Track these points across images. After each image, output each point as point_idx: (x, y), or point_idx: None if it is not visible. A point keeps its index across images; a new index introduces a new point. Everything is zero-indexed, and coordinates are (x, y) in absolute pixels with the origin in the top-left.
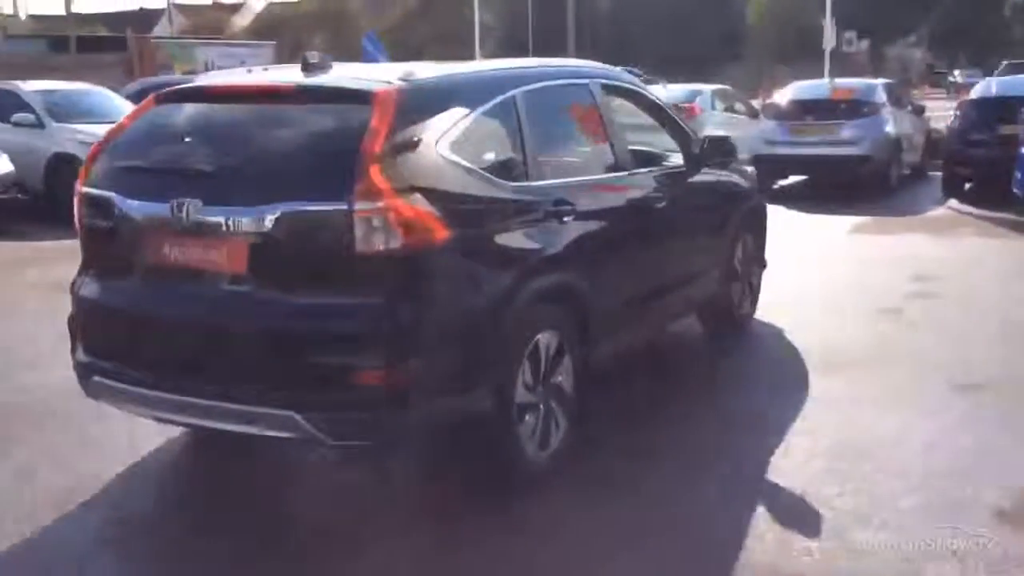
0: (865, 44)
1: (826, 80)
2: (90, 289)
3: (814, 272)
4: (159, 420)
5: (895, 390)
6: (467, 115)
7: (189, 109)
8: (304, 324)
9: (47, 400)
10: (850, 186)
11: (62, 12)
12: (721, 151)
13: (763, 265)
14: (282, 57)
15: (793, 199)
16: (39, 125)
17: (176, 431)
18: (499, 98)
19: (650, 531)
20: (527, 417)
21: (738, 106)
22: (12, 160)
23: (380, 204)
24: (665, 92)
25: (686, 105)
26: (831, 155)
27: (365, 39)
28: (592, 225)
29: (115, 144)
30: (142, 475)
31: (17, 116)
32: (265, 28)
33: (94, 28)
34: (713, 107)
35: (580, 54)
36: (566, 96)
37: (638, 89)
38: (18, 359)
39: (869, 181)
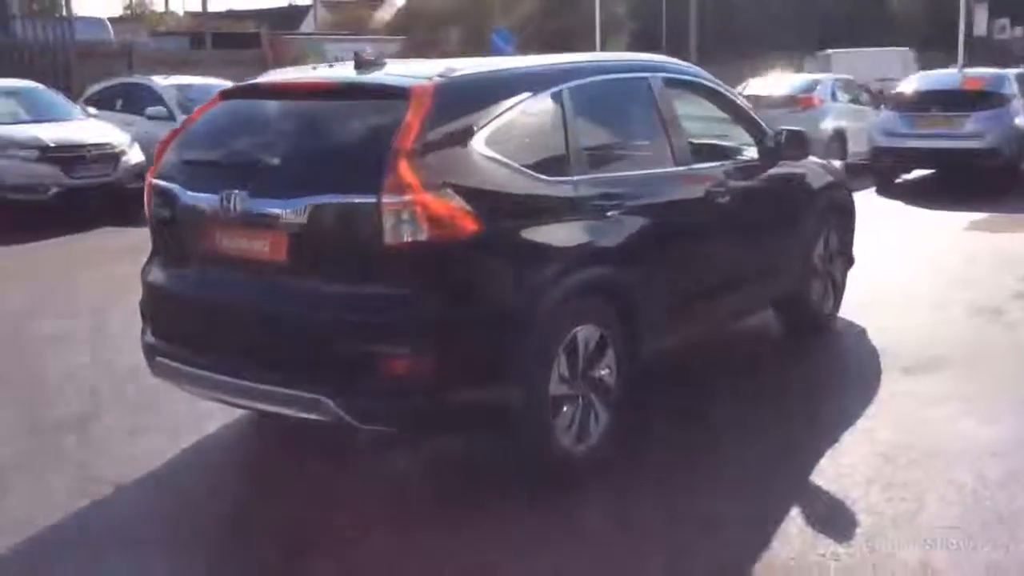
0: (1021, 31)
1: (955, 69)
2: (155, 275)
3: (917, 269)
4: (213, 400)
5: (971, 396)
6: (506, 110)
7: (248, 105)
8: (336, 312)
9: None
10: (975, 181)
11: (218, 9)
12: (795, 145)
13: (849, 262)
14: (411, 52)
15: (913, 194)
16: (171, 118)
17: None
18: (543, 93)
19: (674, 523)
20: (564, 409)
21: (862, 96)
22: (144, 151)
23: (408, 198)
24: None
25: (803, 96)
26: (956, 148)
27: (493, 33)
28: (641, 220)
29: (181, 138)
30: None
31: (151, 109)
32: (404, 23)
33: (245, 25)
34: (834, 97)
35: (703, 45)
36: (621, 91)
37: (707, 83)
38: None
39: (996, 176)
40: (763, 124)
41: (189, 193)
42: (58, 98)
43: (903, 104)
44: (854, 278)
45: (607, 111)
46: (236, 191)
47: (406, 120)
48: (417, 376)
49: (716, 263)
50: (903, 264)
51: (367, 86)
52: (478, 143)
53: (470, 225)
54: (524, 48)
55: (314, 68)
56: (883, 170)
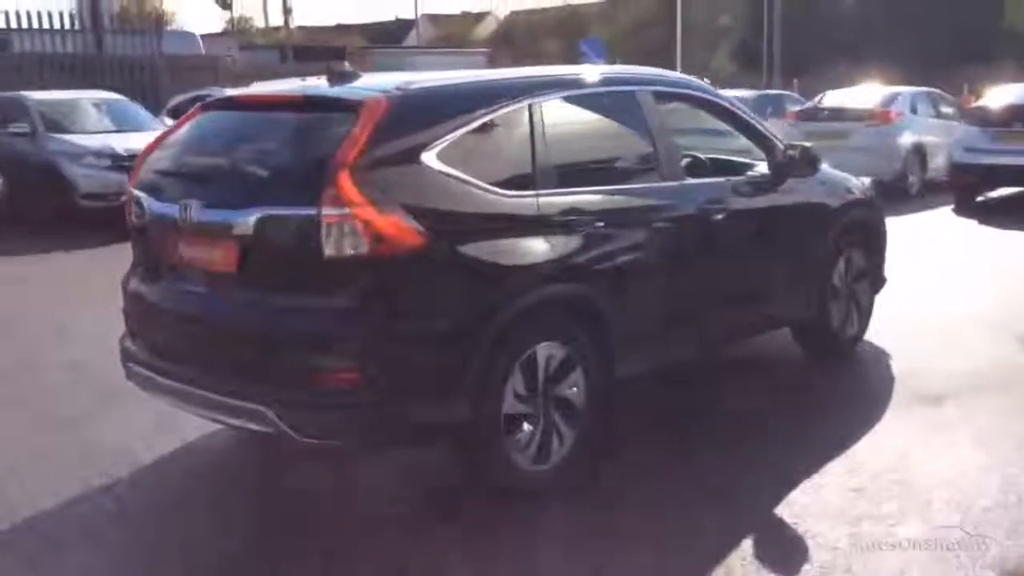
0: None
1: None
2: (131, 282)
3: (971, 295)
4: (177, 408)
5: (979, 432)
6: (466, 125)
7: (219, 117)
8: (278, 324)
9: None
10: None
11: (329, 23)
12: (803, 162)
13: (878, 284)
14: (498, 64)
15: (991, 214)
16: None
17: None
18: (510, 107)
19: (619, 548)
20: (523, 427)
21: (945, 110)
22: None
23: (348, 211)
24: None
25: (880, 109)
26: None
27: (584, 44)
28: (617, 236)
29: (159, 149)
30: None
31: None
32: (506, 36)
33: (352, 39)
34: (914, 111)
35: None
36: (601, 104)
37: (708, 97)
38: None
39: None
40: (775, 140)
41: (156, 203)
42: (138, 109)
43: (985, 119)
44: (898, 301)
45: (584, 125)
46: (193, 201)
47: (352, 133)
48: (356, 390)
49: (707, 283)
50: (959, 288)
51: (322, 99)
52: (431, 158)
53: (415, 240)
54: (615, 59)
55: (303, 80)
56: (962, 187)
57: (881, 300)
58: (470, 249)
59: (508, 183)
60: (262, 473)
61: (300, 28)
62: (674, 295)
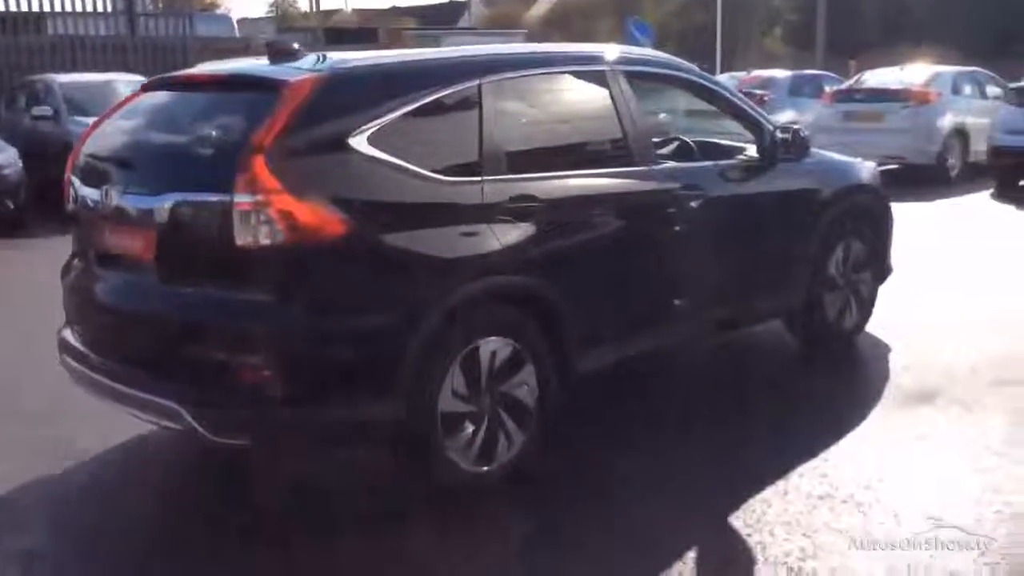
0: None
1: None
2: (67, 271)
3: (987, 284)
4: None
5: (965, 439)
6: (403, 106)
7: (155, 98)
8: (193, 317)
9: None
10: None
11: (385, 6)
12: (790, 145)
13: (883, 273)
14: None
15: None
16: None
17: None
18: (455, 88)
19: (558, 554)
20: (463, 427)
21: (992, 90)
22: None
23: (261, 198)
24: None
25: (918, 90)
26: None
27: (631, 23)
28: (577, 225)
29: (95, 132)
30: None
31: None
32: (557, 17)
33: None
34: (956, 92)
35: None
36: (564, 85)
37: (689, 76)
38: None
39: None
40: (763, 122)
41: (84, 188)
42: None
43: None
44: (913, 290)
45: (543, 107)
46: (114, 186)
47: (271, 115)
48: (273, 387)
49: (685, 274)
50: (980, 278)
51: (246, 78)
52: (360, 142)
53: (337, 230)
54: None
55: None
56: (1004, 171)
57: (894, 289)
58: (401, 239)
59: (451, 169)
60: (220, 464)
61: (356, 11)
62: (645, 287)
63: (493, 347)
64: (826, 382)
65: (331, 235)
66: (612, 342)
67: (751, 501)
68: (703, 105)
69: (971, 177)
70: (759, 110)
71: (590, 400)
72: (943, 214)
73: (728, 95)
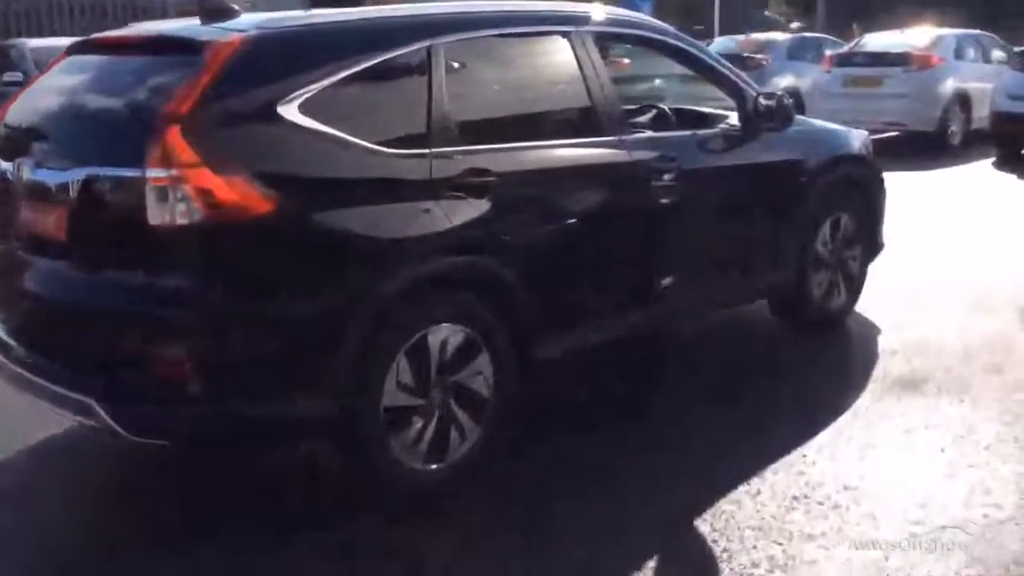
0: None
1: None
2: None
3: (983, 260)
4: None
5: (955, 430)
6: (341, 71)
7: (78, 63)
8: (106, 303)
9: None
10: None
11: None
12: (772, 113)
13: (874, 249)
14: None
15: None
16: None
17: None
18: (401, 50)
19: (510, 555)
20: (411, 422)
21: (997, 54)
22: None
23: (175, 172)
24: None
25: (920, 53)
26: None
27: None
28: (537, 200)
29: (18, 100)
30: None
31: None
32: None
33: None
34: (960, 56)
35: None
36: (523, 47)
37: (664, 39)
38: None
39: None
40: (745, 87)
41: (2, 163)
42: None
43: None
44: (906, 266)
45: (500, 72)
46: (26, 159)
47: (190, 80)
48: (192, 382)
49: (656, 252)
50: (976, 253)
51: (168, 40)
52: (290, 111)
53: (263, 207)
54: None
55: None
56: (1006, 139)
57: (887, 264)
58: (336, 218)
59: (395, 141)
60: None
61: None
62: (613, 268)
63: (444, 334)
64: (810, 368)
65: (256, 214)
66: (577, 328)
67: (721, 502)
68: (686, 70)
69: (973, 144)
70: (741, 75)
71: (555, 387)
72: (943, 184)
73: (706, 58)
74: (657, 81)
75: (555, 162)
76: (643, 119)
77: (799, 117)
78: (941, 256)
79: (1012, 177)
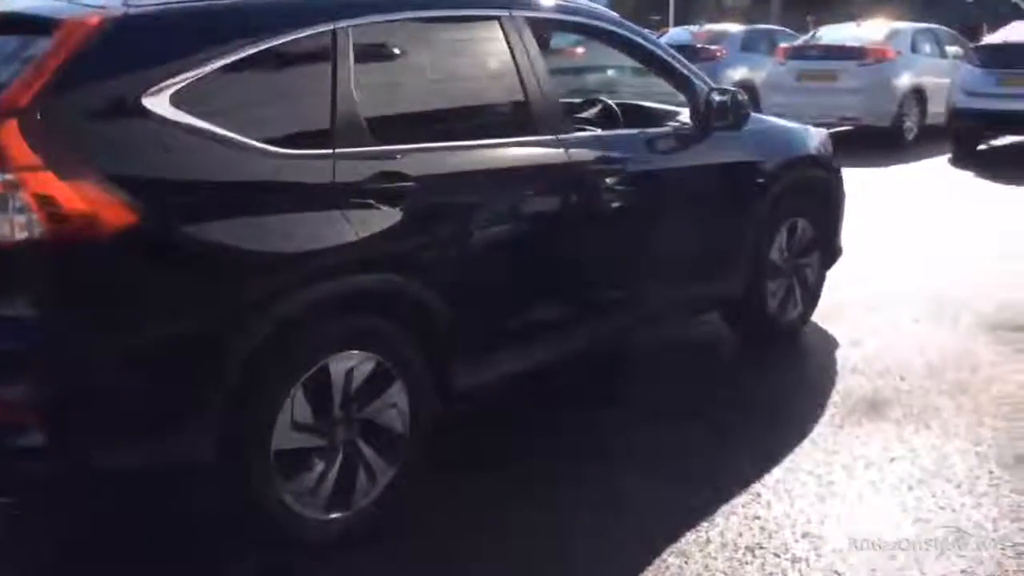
0: None
1: None
2: None
3: (942, 264)
4: None
5: (926, 464)
6: (222, 56)
7: None
8: None
9: None
10: None
11: None
12: (724, 112)
13: (832, 256)
14: None
15: (991, 165)
16: None
17: None
18: (299, 33)
19: None
20: (309, 466)
21: (951, 49)
22: None
23: (11, 177)
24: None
25: (875, 47)
26: None
27: None
28: (460, 209)
29: None
30: None
31: None
32: None
33: None
34: (914, 50)
35: None
36: (448, 33)
37: (609, 27)
38: None
39: None
40: (697, 82)
41: None
42: None
43: (990, 58)
44: (862, 271)
45: (419, 61)
46: None
47: (34, 67)
48: (37, 429)
49: (598, 264)
50: (935, 257)
51: (26, 18)
52: (159, 103)
53: (122, 219)
54: None
55: None
56: (962, 135)
57: (843, 269)
58: (214, 230)
59: (290, 139)
60: None
61: None
62: (549, 284)
63: (349, 364)
64: (765, 387)
65: (112, 227)
66: (509, 352)
67: (664, 555)
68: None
69: (928, 140)
70: (693, 69)
71: (479, 418)
72: (898, 181)
73: (654, 49)
74: (611, 72)
75: (482, 165)
76: (587, 115)
77: (754, 115)
78: (898, 260)
79: (968, 175)
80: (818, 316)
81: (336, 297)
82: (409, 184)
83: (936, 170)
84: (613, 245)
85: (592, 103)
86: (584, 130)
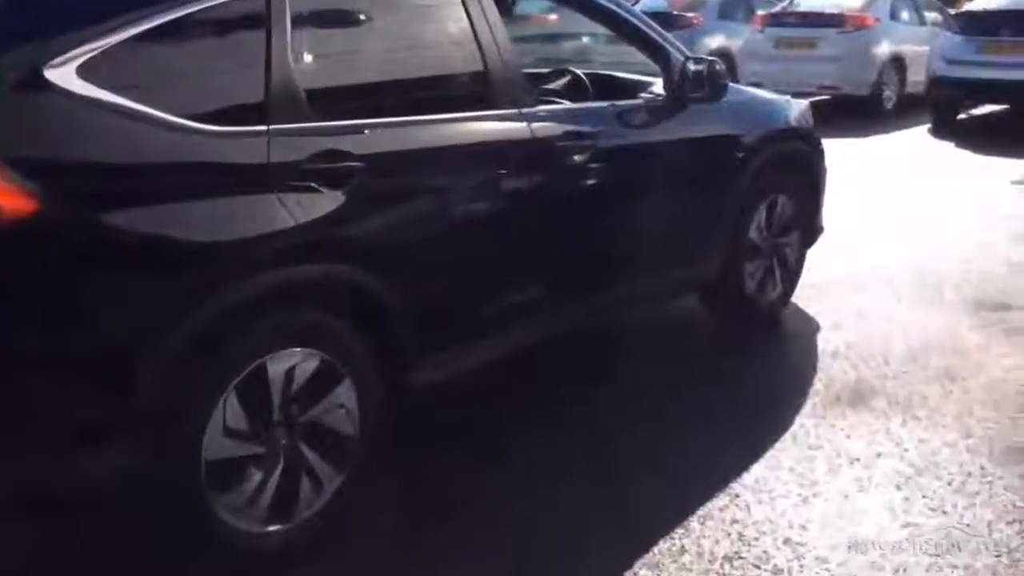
0: None
1: None
2: None
3: (924, 241)
4: None
5: (914, 458)
6: (138, 22)
7: None
8: None
9: None
10: None
11: None
12: (701, 82)
13: (813, 235)
14: None
15: (971, 135)
16: None
17: None
18: None
19: None
20: (246, 476)
21: (930, 16)
22: None
23: None
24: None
25: (854, 14)
26: None
27: None
28: (412, 190)
29: None
30: None
31: None
32: None
33: None
34: (893, 17)
35: None
36: None
37: None
38: None
39: None
40: (672, 51)
41: None
42: None
43: (970, 25)
44: (843, 249)
45: (367, 27)
46: None
47: None
48: None
49: (560, 248)
50: (916, 233)
51: None
52: (64, 75)
53: (22, 205)
54: None
55: None
56: (942, 104)
57: (824, 246)
58: (130, 218)
59: (218, 115)
60: None
61: None
62: (510, 268)
63: (290, 362)
64: (743, 375)
65: (9, 216)
66: (467, 344)
67: (636, 566)
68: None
69: (907, 109)
70: (667, 36)
71: (439, 415)
72: (879, 152)
73: (623, 14)
74: (586, 40)
75: (437, 141)
76: (554, 86)
77: (732, 85)
78: (879, 235)
79: (949, 145)
80: (798, 296)
81: (272, 290)
82: (355, 164)
83: (916, 140)
84: (581, 226)
85: (560, 73)
86: (550, 103)
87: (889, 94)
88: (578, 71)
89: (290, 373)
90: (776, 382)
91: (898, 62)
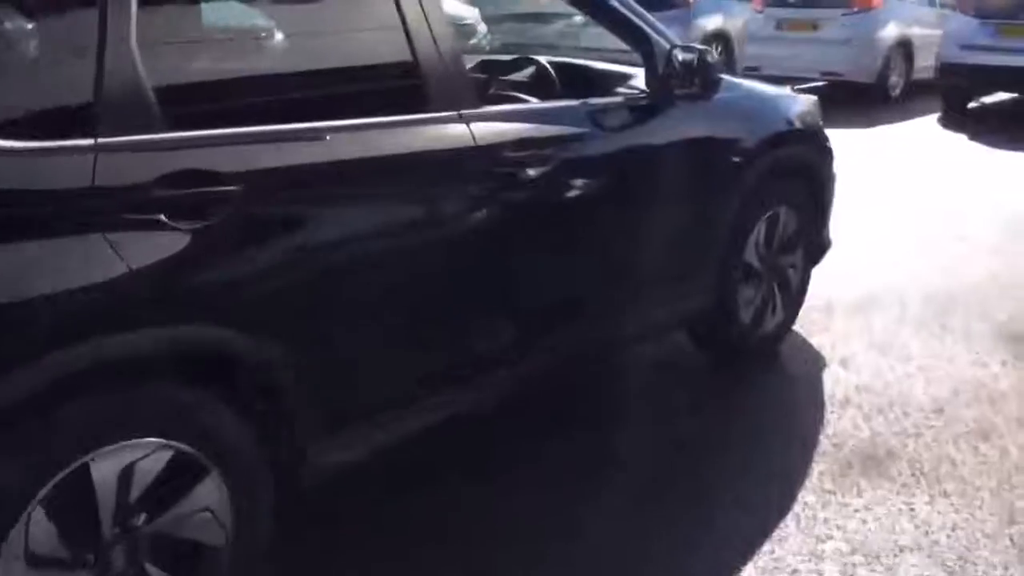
0: None
1: None
2: None
3: (940, 254)
4: None
5: (946, 558)
6: None
7: None
8: None
9: None
10: None
11: None
12: (689, 75)
13: (819, 252)
14: None
15: (985, 125)
16: None
17: None
18: None
19: None
20: None
21: None
22: None
23: None
24: None
25: None
26: None
27: None
28: (303, 217)
29: None
30: None
31: None
32: None
33: None
34: None
35: None
36: None
37: None
38: None
39: None
40: (656, 38)
41: None
42: None
43: (985, 8)
44: (848, 262)
45: (248, 5)
46: None
47: None
48: None
49: (504, 289)
50: (937, 241)
51: None
52: None
53: None
54: None
55: None
56: (953, 92)
57: (828, 260)
58: None
59: (22, 125)
60: None
61: None
62: (445, 312)
63: (127, 459)
64: (732, 432)
65: None
66: (390, 412)
67: None
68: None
69: (914, 97)
70: (648, 18)
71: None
72: (887, 144)
73: (617, 8)
74: (578, 18)
75: (343, 154)
76: (514, 78)
77: (728, 78)
78: (890, 246)
79: (962, 137)
80: (800, 323)
81: (94, 364)
82: (224, 187)
83: (926, 131)
84: (537, 257)
85: (523, 63)
86: (507, 100)
87: (895, 80)
88: (543, 60)
89: (127, 474)
90: (774, 442)
91: (905, 47)
